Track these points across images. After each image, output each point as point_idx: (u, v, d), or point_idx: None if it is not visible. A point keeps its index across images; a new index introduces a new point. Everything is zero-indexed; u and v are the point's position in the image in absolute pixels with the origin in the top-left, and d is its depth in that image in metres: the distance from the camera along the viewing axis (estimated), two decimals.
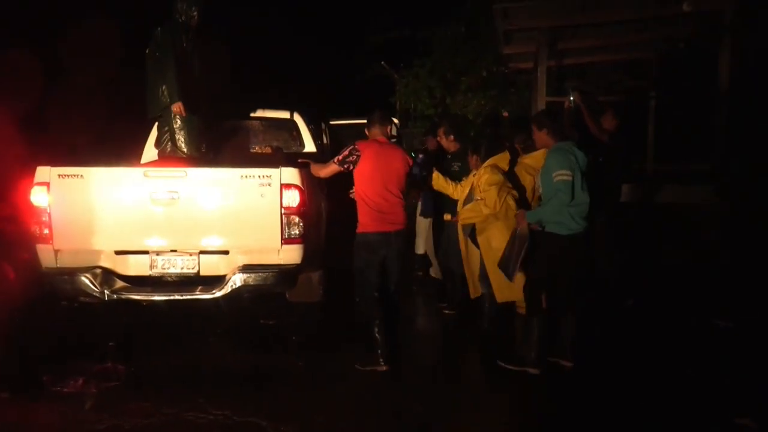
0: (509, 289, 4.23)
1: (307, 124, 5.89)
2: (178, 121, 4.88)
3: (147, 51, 4.94)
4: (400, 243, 4.20)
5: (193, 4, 4.97)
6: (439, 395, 3.83)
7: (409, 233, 4.43)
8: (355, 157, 4.06)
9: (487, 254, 4.32)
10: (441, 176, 4.85)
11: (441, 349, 4.91)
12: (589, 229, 4.08)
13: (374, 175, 4.07)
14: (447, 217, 5.61)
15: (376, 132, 4.25)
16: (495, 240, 4.23)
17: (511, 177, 4.33)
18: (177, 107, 4.82)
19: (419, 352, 4.66)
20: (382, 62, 12.02)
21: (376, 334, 4.07)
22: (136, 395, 3.70)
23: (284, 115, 5.85)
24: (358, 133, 6.86)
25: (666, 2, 7.12)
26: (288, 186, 4.04)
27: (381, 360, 4.05)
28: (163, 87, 4.84)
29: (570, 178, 3.87)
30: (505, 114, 11.01)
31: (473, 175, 4.60)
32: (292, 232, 4.09)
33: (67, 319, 4.92)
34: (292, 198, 4.05)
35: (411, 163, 4.28)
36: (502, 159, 4.35)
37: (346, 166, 4.09)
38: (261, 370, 4.15)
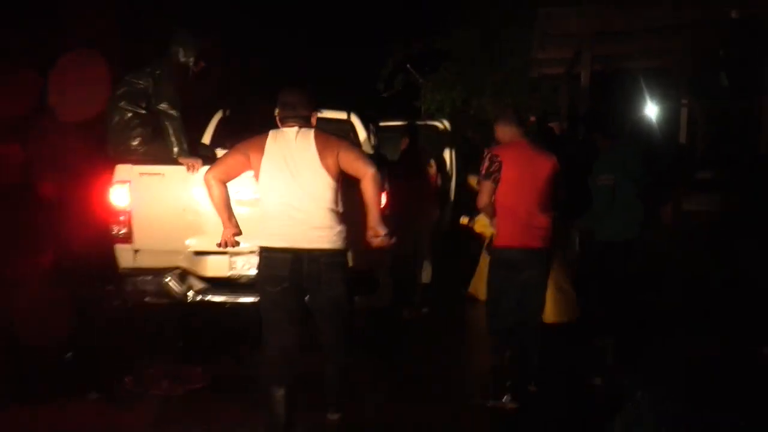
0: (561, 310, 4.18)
1: (364, 124, 5.84)
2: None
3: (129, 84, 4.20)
4: (545, 263, 3.68)
5: (192, 51, 4.30)
6: None
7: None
8: (497, 165, 3.53)
9: None
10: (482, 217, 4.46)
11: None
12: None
13: (521, 183, 3.53)
14: (464, 221, 5.33)
15: (513, 132, 3.66)
16: None
17: None
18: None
19: None
20: (408, 65, 12.00)
21: (506, 364, 3.62)
22: (226, 398, 3.63)
23: (341, 115, 5.79)
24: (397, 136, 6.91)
25: (709, 6, 7.15)
26: None
27: (508, 395, 3.56)
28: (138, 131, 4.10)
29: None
30: (532, 119, 11.03)
31: None
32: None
33: (125, 320, 4.86)
34: None
35: (557, 168, 3.63)
36: None
37: (492, 179, 3.55)
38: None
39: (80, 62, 7.02)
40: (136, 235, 3.96)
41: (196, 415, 3.44)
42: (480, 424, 3.53)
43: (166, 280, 3.92)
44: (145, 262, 4.02)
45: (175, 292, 3.93)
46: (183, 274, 4.00)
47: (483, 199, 3.61)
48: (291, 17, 12.13)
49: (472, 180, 5.28)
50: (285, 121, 3.02)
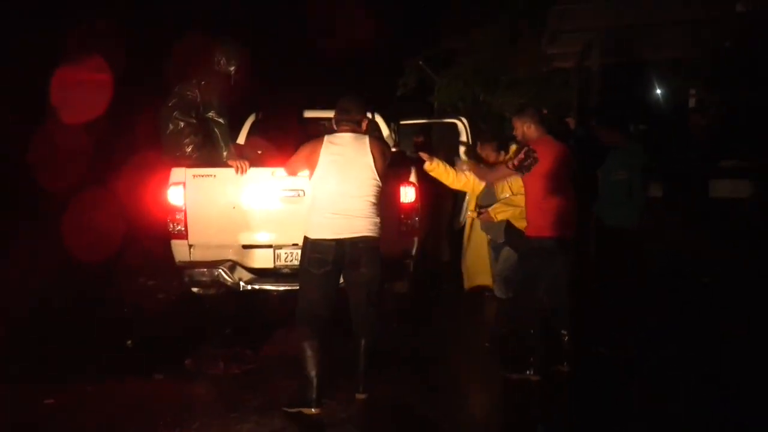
0: None
1: (387, 123, 6.20)
2: None
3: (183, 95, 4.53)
4: (571, 251, 3.95)
5: (233, 60, 4.63)
6: None
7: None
8: (532, 160, 3.78)
9: None
10: (441, 162, 4.62)
11: None
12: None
13: (554, 177, 3.80)
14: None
15: (540, 129, 3.91)
16: None
17: None
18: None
19: None
20: (421, 62, 12.28)
21: (533, 342, 3.87)
22: (277, 376, 4.01)
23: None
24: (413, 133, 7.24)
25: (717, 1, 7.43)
26: (405, 183, 4.37)
27: (532, 369, 3.86)
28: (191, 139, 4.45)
29: None
30: (544, 112, 11.27)
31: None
32: (407, 226, 4.40)
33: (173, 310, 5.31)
34: (409, 194, 4.38)
35: (573, 160, 3.92)
36: None
37: (522, 171, 3.85)
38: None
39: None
40: (191, 231, 4.36)
41: (251, 391, 3.82)
42: (505, 395, 3.90)
43: (219, 271, 4.32)
44: (199, 255, 4.42)
45: (228, 282, 4.33)
46: (233, 266, 4.40)
47: (495, 178, 4.07)
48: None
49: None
50: (340, 124, 3.52)
